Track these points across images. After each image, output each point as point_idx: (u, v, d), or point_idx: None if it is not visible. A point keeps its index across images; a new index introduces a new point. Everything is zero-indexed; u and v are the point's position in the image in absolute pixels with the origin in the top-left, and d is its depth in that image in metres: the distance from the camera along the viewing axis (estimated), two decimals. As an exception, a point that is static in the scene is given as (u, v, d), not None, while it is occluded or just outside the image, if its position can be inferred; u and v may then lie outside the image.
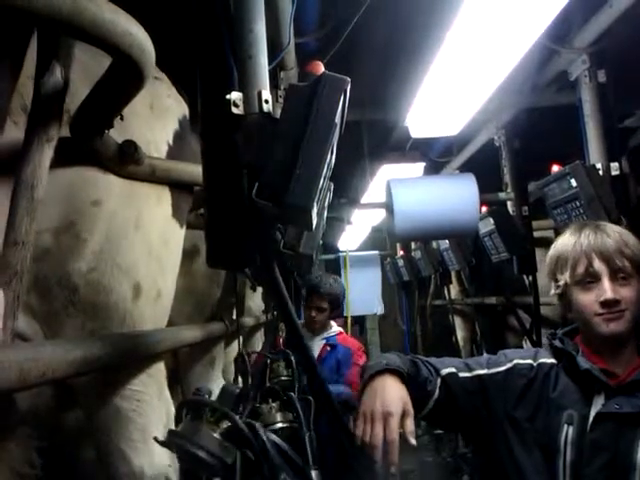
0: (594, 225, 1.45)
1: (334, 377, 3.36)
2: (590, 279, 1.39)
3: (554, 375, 1.45)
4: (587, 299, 1.39)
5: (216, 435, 1.32)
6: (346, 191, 5.60)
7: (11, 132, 1.27)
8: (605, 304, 1.36)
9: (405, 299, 7.70)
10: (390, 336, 8.90)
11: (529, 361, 1.50)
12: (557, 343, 1.48)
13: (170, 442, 1.37)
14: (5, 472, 1.57)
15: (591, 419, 1.36)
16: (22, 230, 1.10)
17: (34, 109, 1.18)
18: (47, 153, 1.16)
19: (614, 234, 1.41)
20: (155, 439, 1.44)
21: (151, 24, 1.20)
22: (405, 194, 3.51)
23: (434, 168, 5.19)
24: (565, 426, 1.37)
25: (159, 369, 1.85)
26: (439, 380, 1.46)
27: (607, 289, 1.36)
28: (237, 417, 1.33)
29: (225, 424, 1.34)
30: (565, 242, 1.45)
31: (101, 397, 1.69)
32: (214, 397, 1.51)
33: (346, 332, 6.52)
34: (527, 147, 4.04)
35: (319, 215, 1.27)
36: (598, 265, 1.38)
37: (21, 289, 1.10)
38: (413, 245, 6.46)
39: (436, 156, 5.05)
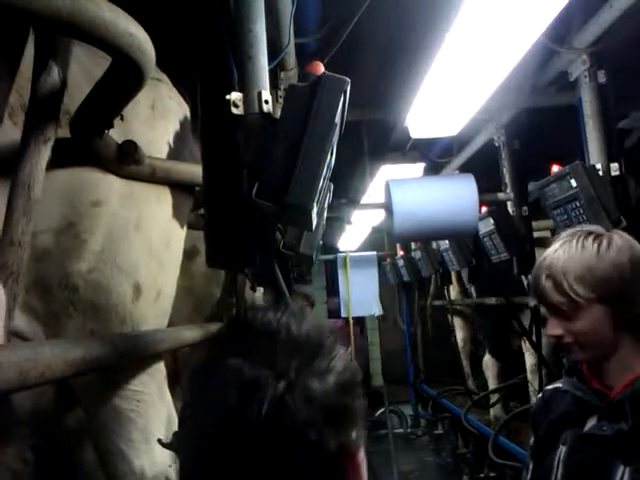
0: (549, 252, 1.36)
1: None
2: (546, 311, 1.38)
3: (560, 397, 1.46)
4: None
5: None
6: (346, 191, 5.60)
7: (12, 132, 1.27)
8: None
9: (405, 300, 7.70)
10: (390, 336, 8.90)
11: (540, 394, 1.55)
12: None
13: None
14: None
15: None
16: (19, 230, 1.10)
17: (31, 110, 1.18)
18: (44, 154, 1.16)
19: (557, 265, 1.31)
20: (160, 441, 1.44)
21: (151, 24, 1.20)
22: (404, 194, 3.51)
23: (434, 168, 5.18)
24: (560, 446, 1.37)
25: (159, 369, 1.85)
26: None
27: (547, 326, 1.35)
28: None
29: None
30: None
31: (101, 397, 1.69)
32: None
33: (348, 333, 6.55)
34: (527, 147, 4.04)
35: (319, 215, 1.27)
36: (540, 303, 1.38)
37: (17, 289, 1.10)
38: (413, 245, 6.45)
39: (436, 156, 5.05)
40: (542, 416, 1.49)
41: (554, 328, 1.33)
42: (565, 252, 1.31)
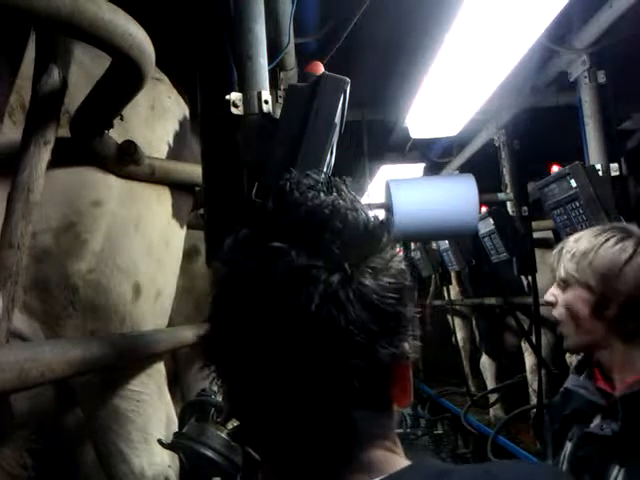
0: (576, 235, 1.43)
1: None
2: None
3: (574, 394, 1.45)
4: None
5: (223, 435, 1.33)
6: (346, 191, 5.60)
7: (11, 131, 1.27)
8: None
9: (405, 299, 7.69)
10: (390, 336, 8.87)
11: (561, 389, 1.54)
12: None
13: (177, 444, 1.37)
14: None
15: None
16: (18, 233, 1.10)
17: (32, 111, 1.18)
18: (44, 156, 1.16)
19: (576, 246, 1.37)
20: (160, 442, 1.44)
21: (151, 24, 1.20)
22: (404, 194, 3.50)
23: (434, 169, 5.18)
24: (567, 442, 1.37)
25: (159, 370, 1.85)
26: None
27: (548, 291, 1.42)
28: None
29: (231, 424, 1.34)
30: None
31: (101, 397, 1.69)
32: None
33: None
34: (527, 147, 4.03)
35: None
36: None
37: (16, 292, 1.10)
38: (413, 245, 6.45)
39: (436, 157, 5.05)
40: (558, 411, 1.49)
41: (551, 295, 1.40)
42: (571, 242, 1.39)
